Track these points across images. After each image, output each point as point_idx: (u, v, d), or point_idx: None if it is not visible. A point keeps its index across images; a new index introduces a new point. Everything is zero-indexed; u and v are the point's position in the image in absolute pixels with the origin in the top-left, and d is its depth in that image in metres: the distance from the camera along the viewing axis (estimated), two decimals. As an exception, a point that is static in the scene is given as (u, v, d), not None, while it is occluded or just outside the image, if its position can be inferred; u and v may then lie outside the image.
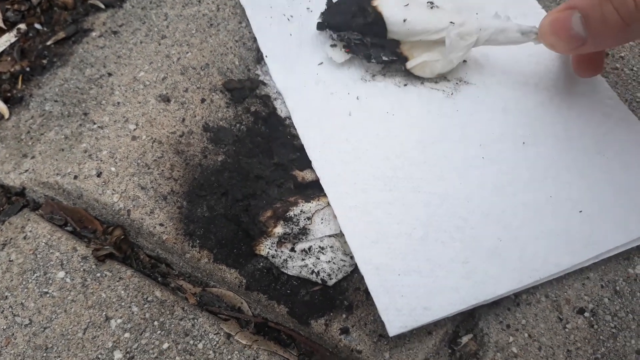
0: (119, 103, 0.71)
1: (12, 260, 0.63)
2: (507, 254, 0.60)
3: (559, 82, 0.72)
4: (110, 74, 0.75)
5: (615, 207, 0.64)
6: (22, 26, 0.86)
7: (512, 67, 0.73)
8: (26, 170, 0.69)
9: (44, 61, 0.82)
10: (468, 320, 0.61)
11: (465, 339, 0.61)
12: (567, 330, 0.60)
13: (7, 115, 0.77)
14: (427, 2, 0.68)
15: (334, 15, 0.68)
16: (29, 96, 0.77)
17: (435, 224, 0.61)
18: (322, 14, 0.70)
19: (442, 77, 0.71)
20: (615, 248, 0.62)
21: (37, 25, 0.86)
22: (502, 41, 0.66)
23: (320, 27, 0.70)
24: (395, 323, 0.56)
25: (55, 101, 0.75)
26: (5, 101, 0.78)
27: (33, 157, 0.70)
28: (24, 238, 0.64)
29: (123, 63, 0.76)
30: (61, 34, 0.84)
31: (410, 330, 0.57)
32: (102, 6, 0.85)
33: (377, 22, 0.66)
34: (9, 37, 0.85)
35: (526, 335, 0.60)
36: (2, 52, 0.84)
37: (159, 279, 0.63)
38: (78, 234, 0.65)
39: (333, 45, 0.70)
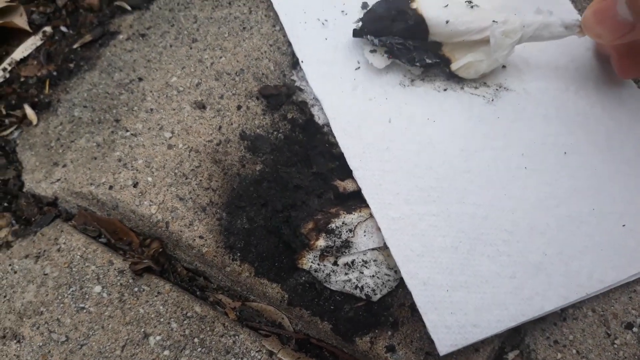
0: (152, 109, 0.69)
1: (46, 274, 0.61)
2: (552, 269, 0.59)
3: (599, 90, 0.70)
4: (140, 79, 0.74)
5: None
6: (48, 29, 0.84)
7: (552, 73, 0.71)
8: (58, 180, 0.67)
9: (71, 65, 0.80)
10: (514, 336, 0.60)
11: (511, 356, 0.59)
12: (615, 346, 0.59)
13: (35, 122, 0.75)
14: (466, 2, 0.66)
15: (373, 21, 0.66)
16: (57, 101, 0.75)
17: (481, 237, 0.60)
18: (360, 20, 0.68)
19: (482, 83, 0.69)
20: (661, 264, 0.60)
21: (63, 28, 0.84)
22: (546, 37, 0.64)
23: (358, 34, 0.68)
24: (445, 341, 0.54)
25: (85, 107, 0.73)
26: (33, 106, 0.77)
27: (64, 166, 0.68)
28: (58, 250, 0.63)
29: (153, 67, 0.74)
30: (88, 37, 0.82)
31: (458, 350, 0.55)
32: (129, 8, 0.83)
33: (419, 25, 0.64)
34: (35, 41, 0.83)
35: (574, 351, 0.58)
36: (28, 55, 0.82)
37: (198, 292, 0.62)
38: (113, 246, 0.64)
39: (373, 51, 0.68)
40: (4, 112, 0.77)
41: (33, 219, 0.67)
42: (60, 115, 0.74)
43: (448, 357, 0.57)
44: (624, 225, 0.61)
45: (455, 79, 0.69)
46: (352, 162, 0.64)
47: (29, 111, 0.76)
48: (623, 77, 0.69)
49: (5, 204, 0.69)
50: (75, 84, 0.76)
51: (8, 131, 0.76)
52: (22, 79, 0.81)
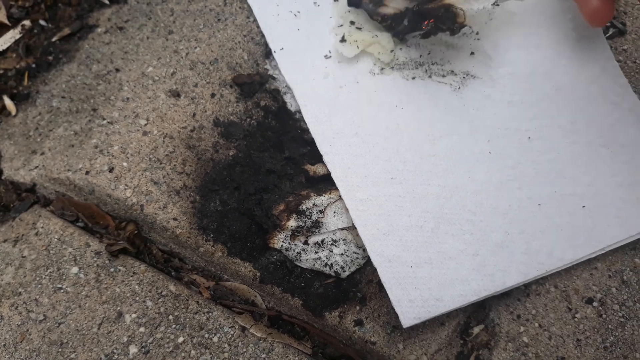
0: (128, 99, 0.71)
1: (24, 257, 0.63)
2: (514, 247, 0.61)
3: (566, 73, 0.71)
4: (117, 70, 0.75)
5: (618, 202, 0.64)
6: (27, 22, 0.86)
7: (520, 57, 0.72)
8: (36, 167, 0.69)
9: (50, 57, 0.82)
10: (479, 311, 0.62)
11: (476, 330, 0.61)
12: (576, 319, 0.61)
13: (14, 112, 0.77)
14: None
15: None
16: (36, 93, 0.77)
17: (445, 216, 0.62)
18: None
19: (449, 71, 0.72)
20: (616, 243, 0.63)
21: (42, 22, 0.86)
22: None
23: (354, 3, 0.69)
24: (408, 315, 0.56)
25: (63, 97, 0.75)
26: (12, 98, 0.78)
27: (42, 154, 0.70)
28: (36, 234, 0.64)
29: (130, 59, 0.76)
30: (66, 30, 0.84)
31: (423, 321, 0.57)
32: (107, 2, 0.85)
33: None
34: (14, 34, 0.85)
35: (536, 325, 0.61)
36: (7, 48, 0.84)
37: (173, 273, 0.64)
38: (90, 229, 0.66)
39: (343, 40, 0.70)
40: (-17, 103, 0.79)
41: (12, 205, 0.69)
42: (38, 106, 0.75)
43: (415, 331, 0.59)
44: (583, 207, 0.64)
45: (423, 67, 0.72)
46: (322, 147, 0.66)
47: (8, 102, 0.77)
48: (593, 24, 0.64)
49: (-16, 192, 0.70)
50: (54, 75, 0.78)
51: (-13, 122, 0.77)
52: (1, 72, 0.82)
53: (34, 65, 0.81)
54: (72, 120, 0.72)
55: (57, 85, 0.76)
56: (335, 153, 0.65)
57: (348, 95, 0.69)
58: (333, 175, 0.64)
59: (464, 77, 0.72)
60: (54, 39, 0.83)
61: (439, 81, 0.71)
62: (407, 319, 0.56)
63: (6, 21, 0.84)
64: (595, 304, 0.62)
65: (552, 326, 0.61)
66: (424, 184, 0.64)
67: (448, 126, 0.68)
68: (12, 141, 0.73)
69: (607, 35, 0.81)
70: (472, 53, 0.72)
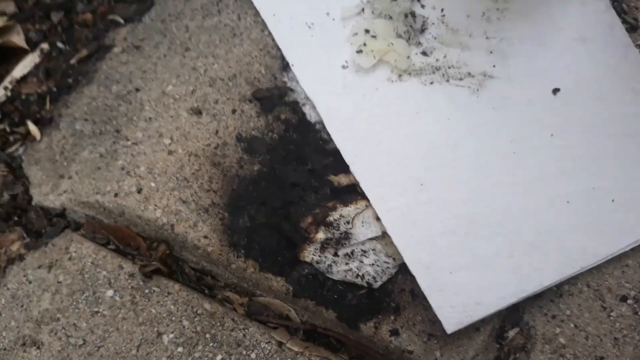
0: (150, 118, 0.72)
1: (60, 282, 0.64)
2: (547, 246, 0.61)
3: (584, 68, 0.70)
4: (137, 90, 0.76)
5: None
6: (45, 46, 0.87)
7: (537, 54, 0.72)
8: (65, 191, 0.70)
9: (70, 80, 0.83)
10: (513, 314, 0.62)
11: (512, 333, 0.61)
12: (612, 318, 0.61)
13: (38, 137, 0.78)
14: None
15: None
16: (58, 116, 0.78)
17: (476, 220, 0.62)
18: None
19: (466, 74, 0.71)
20: (649, 234, 0.62)
21: (60, 44, 0.86)
22: None
23: None
24: (451, 320, 0.57)
25: (85, 120, 0.76)
26: (35, 123, 0.79)
27: (70, 178, 0.71)
28: (69, 259, 0.65)
29: (149, 78, 0.77)
30: (84, 52, 0.84)
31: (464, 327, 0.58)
32: (122, 21, 0.85)
33: None
34: (33, 58, 0.86)
35: (572, 325, 0.61)
36: (28, 73, 0.85)
37: (206, 291, 0.64)
38: (122, 251, 0.66)
39: (359, 52, 0.70)
40: (8, 129, 0.80)
41: (43, 231, 0.70)
42: (62, 130, 0.76)
43: (451, 338, 0.60)
44: (613, 200, 0.63)
45: (440, 72, 0.72)
46: (347, 157, 0.66)
47: (32, 127, 0.79)
48: None
49: (16, 219, 0.72)
50: (74, 98, 0.79)
51: (13, 148, 0.78)
52: (23, 97, 0.83)
53: (54, 89, 0.82)
54: (97, 142, 0.72)
55: (79, 108, 0.77)
56: (362, 163, 0.65)
57: (369, 104, 0.69)
58: (362, 186, 0.64)
59: (481, 79, 0.71)
60: (72, 61, 0.84)
61: (457, 84, 0.71)
62: (451, 325, 0.57)
63: (25, 45, 0.86)
64: (629, 301, 0.62)
65: (588, 326, 0.60)
66: (451, 190, 0.64)
67: (469, 129, 0.68)
68: (39, 166, 0.74)
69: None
70: (491, 52, 0.72)
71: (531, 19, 0.72)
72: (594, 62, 0.69)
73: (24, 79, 0.85)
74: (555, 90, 0.69)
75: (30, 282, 0.64)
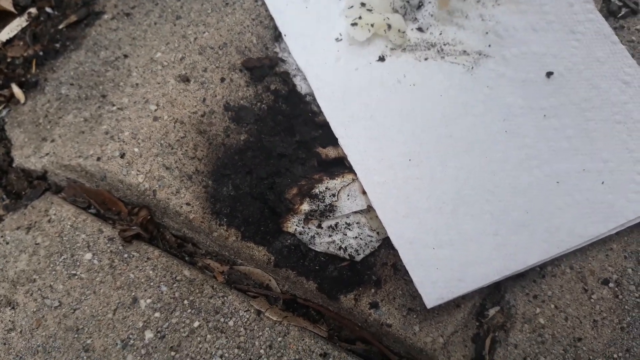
0: (137, 84, 0.71)
1: (38, 244, 0.63)
2: (534, 226, 0.61)
3: (578, 52, 0.71)
4: (126, 56, 0.75)
5: (637, 177, 0.64)
6: (33, 10, 0.85)
7: (531, 37, 0.72)
8: (47, 154, 0.68)
9: (57, 45, 0.81)
10: (494, 293, 0.62)
11: (492, 312, 0.61)
12: (592, 300, 0.61)
13: (23, 100, 0.76)
14: None
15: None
16: (44, 80, 0.76)
17: (464, 197, 0.62)
18: None
19: (461, 52, 0.71)
20: (637, 218, 0.62)
21: (48, 9, 0.85)
22: None
23: None
24: (432, 295, 0.56)
25: (71, 84, 0.74)
26: (20, 86, 0.78)
27: (53, 141, 0.69)
28: (49, 221, 0.64)
29: (138, 45, 0.75)
30: (73, 17, 0.83)
31: (446, 302, 0.57)
32: (113, -12, 0.84)
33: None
34: (20, 22, 0.84)
35: (552, 306, 0.60)
36: (14, 36, 0.83)
37: (186, 258, 0.63)
38: (102, 216, 0.65)
39: (354, 24, 0.69)
40: (-9, 91, 0.78)
41: (23, 193, 0.68)
42: (47, 94, 0.75)
43: (431, 314, 0.59)
44: (602, 183, 0.63)
45: (435, 48, 0.71)
46: (337, 130, 0.66)
47: (17, 90, 0.77)
48: None
49: (-4, 180, 0.70)
50: (61, 63, 0.77)
51: (-4, 110, 0.77)
52: (8, 60, 0.81)
53: (41, 53, 0.81)
54: (82, 107, 0.71)
55: (65, 72, 0.76)
56: (351, 136, 0.65)
57: (361, 78, 0.69)
58: (350, 159, 0.63)
59: (476, 57, 0.71)
60: (60, 27, 0.83)
61: (452, 61, 0.70)
62: (431, 300, 0.56)
63: (12, 9, 0.84)
64: (611, 284, 0.61)
65: (568, 307, 0.60)
66: (441, 166, 0.63)
67: (463, 106, 0.67)
68: (21, 129, 0.72)
69: (620, 15, 0.80)
70: (487, 32, 0.71)
71: (522, 9, 0.73)
72: (585, 53, 0.70)
73: (9, 42, 0.83)
74: (549, 74, 0.69)
75: (7, 243, 0.63)
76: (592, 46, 0.71)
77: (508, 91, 0.69)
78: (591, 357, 0.58)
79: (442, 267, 0.58)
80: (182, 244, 0.65)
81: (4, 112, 0.76)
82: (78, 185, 0.66)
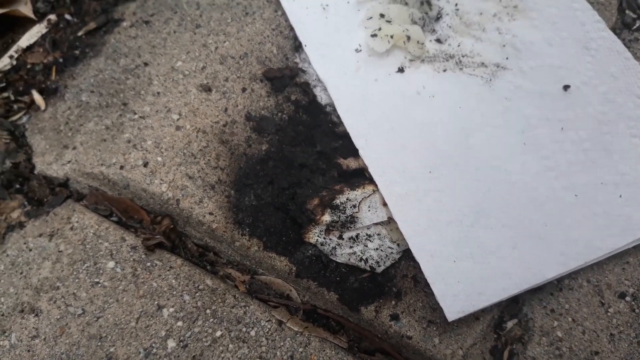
0: (159, 93, 0.71)
1: (61, 251, 0.63)
2: (552, 239, 0.61)
3: (593, 66, 0.72)
4: (146, 64, 0.75)
5: None
6: (53, 17, 0.86)
7: (547, 50, 0.73)
8: (69, 161, 0.69)
9: (77, 52, 0.82)
10: (512, 306, 0.62)
11: (510, 324, 0.62)
12: (609, 314, 0.61)
13: (43, 107, 0.77)
14: None
15: None
16: (64, 87, 0.77)
17: (483, 210, 0.62)
18: None
19: (479, 64, 0.72)
20: (655, 230, 0.63)
21: (67, 16, 0.86)
22: None
23: None
24: (453, 308, 0.57)
25: (92, 92, 0.75)
26: (40, 92, 0.78)
27: (74, 148, 0.70)
28: (71, 229, 0.65)
29: (158, 53, 0.76)
30: (92, 25, 0.84)
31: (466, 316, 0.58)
32: (132, -5, 0.84)
33: None
34: (40, 29, 0.85)
35: (570, 319, 0.61)
36: (34, 43, 0.84)
37: (208, 267, 0.64)
38: (124, 224, 0.66)
39: (374, 35, 0.70)
40: (12, 98, 0.79)
41: (45, 200, 0.69)
42: (67, 101, 0.75)
43: (450, 326, 0.60)
44: (620, 196, 0.64)
45: (453, 60, 0.72)
46: (357, 141, 0.66)
47: (37, 97, 0.78)
48: None
49: (17, 186, 0.71)
50: (81, 70, 0.78)
51: (17, 116, 0.77)
52: (28, 66, 0.82)
53: (61, 60, 0.82)
54: (103, 114, 0.72)
55: (85, 79, 0.76)
56: (371, 147, 0.65)
57: (381, 89, 0.69)
58: (370, 170, 0.64)
59: (494, 70, 0.72)
60: (79, 34, 0.83)
61: (470, 73, 0.71)
62: (452, 313, 0.57)
63: (32, 15, 0.85)
64: (628, 298, 0.62)
65: (585, 321, 0.61)
66: (461, 178, 0.64)
67: (481, 118, 0.68)
68: (42, 136, 0.73)
69: (635, 27, 0.81)
70: (504, 45, 0.72)
71: (535, 24, 0.74)
72: (599, 68, 0.72)
73: (29, 48, 0.84)
74: (566, 87, 0.70)
75: (30, 250, 0.64)
76: (606, 62, 0.72)
77: (526, 103, 0.69)
78: (608, 371, 0.58)
79: (463, 280, 0.58)
80: (204, 253, 0.65)
81: (25, 119, 0.77)
82: (100, 193, 0.67)
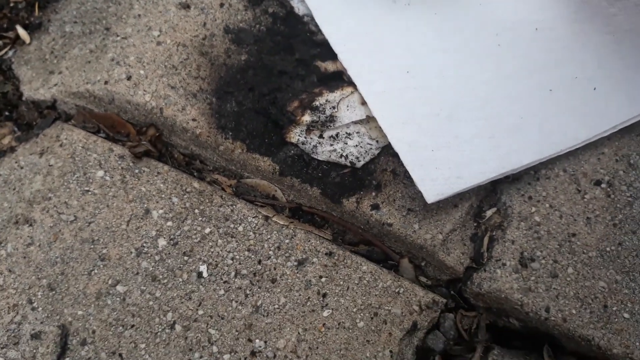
0: (139, 15, 0.73)
1: (51, 165, 0.65)
2: (528, 129, 0.63)
3: None
4: (126, -8, 0.76)
5: (626, 83, 0.66)
6: (33, -45, 0.86)
7: None
8: (55, 84, 0.71)
9: (58, -12, 0.83)
10: (491, 195, 0.64)
11: (489, 213, 0.64)
12: (585, 200, 0.63)
13: (28, 40, 0.78)
14: None
15: None
16: (47, 21, 0.78)
17: (460, 104, 0.64)
18: None
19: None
20: (628, 120, 0.65)
21: (48, -46, 0.86)
22: None
23: None
24: (431, 191, 0.59)
25: (75, 22, 0.76)
26: (25, 28, 0.80)
27: (60, 73, 0.71)
28: (60, 145, 0.67)
29: (138, -20, 0.77)
30: (72, -39, 0.84)
31: (445, 199, 0.60)
32: None
33: None
34: (21, -33, 0.85)
35: (547, 205, 0.63)
36: (16, -19, 0.85)
37: (195, 174, 0.66)
38: (112, 138, 0.68)
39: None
40: (-4, 34, 0.80)
41: (34, 123, 0.71)
42: (52, 33, 0.77)
43: (429, 213, 0.62)
44: (594, 89, 0.65)
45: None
46: (336, 46, 0.68)
47: (22, 32, 0.79)
48: None
49: (7, 114, 0.73)
50: (63, 4, 0.79)
51: (2, 52, 0.79)
52: (11, 4, 0.83)
53: (43, -4, 0.83)
54: (87, 40, 0.73)
55: (68, 12, 0.78)
56: (350, 51, 0.67)
57: (357, -2, 0.71)
58: (349, 72, 0.66)
59: (468, -23, 0.73)
60: (60, -30, 0.84)
61: (445, -19, 0.72)
62: (431, 196, 0.59)
63: (12, -45, 0.85)
64: (603, 185, 0.64)
65: (562, 206, 0.63)
66: (437, 77, 0.66)
67: (457, 23, 0.69)
68: (29, 66, 0.74)
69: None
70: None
71: None
72: None
73: (11, -13, 0.85)
74: None
75: (21, 168, 0.66)
76: None
77: (500, 6, 0.71)
78: (585, 251, 0.60)
79: (441, 167, 0.60)
80: (190, 161, 0.67)
81: (11, 53, 0.78)
82: (87, 111, 0.69)
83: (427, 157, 0.61)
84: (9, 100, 0.74)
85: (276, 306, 0.58)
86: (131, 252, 0.60)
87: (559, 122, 0.64)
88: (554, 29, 0.69)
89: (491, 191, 0.64)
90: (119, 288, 0.59)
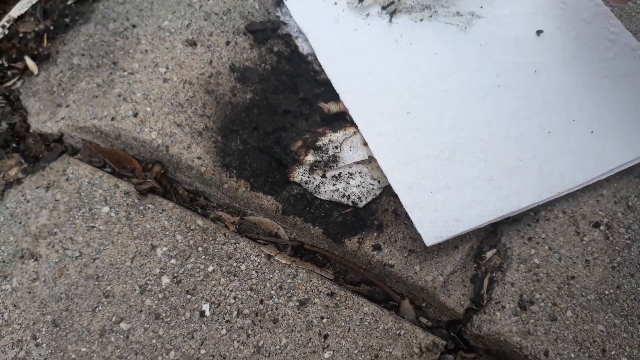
0: (146, 50, 0.74)
1: (57, 200, 0.66)
2: (527, 171, 0.64)
3: (565, 12, 0.75)
4: (134, 26, 0.78)
5: (623, 126, 0.67)
6: (42, -13, 0.88)
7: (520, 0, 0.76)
8: (62, 118, 0.72)
9: (67, 20, 0.84)
10: (491, 237, 0.65)
11: (489, 254, 0.64)
12: (584, 242, 0.64)
13: (36, 72, 0.79)
14: None
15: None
16: (56, 53, 0.80)
17: (459, 146, 0.65)
18: None
19: (455, 13, 0.74)
20: (625, 163, 0.66)
21: (57, -15, 0.88)
22: None
23: None
24: (430, 234, 0.60)
25: (83, 55, 0.78)
26: (33, 58, 0.81)
27: (68, 106, 0.73)
28: (67, 180, 0.68)
29: (145, 15, 0.79)
30: (81, -7, 0.86)
31: (445, 241, 0.60)
32: (118, -36, 0.87)
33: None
34: (31, -2, 0.87)
35: (547, 247, 0.64)
36: (25, 12, 0.86)
37: (199, 211, 0.67)
38: (117, 174, 0.69)
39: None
40: (5, 65, 0.81)
41: (41, 156, 0.72)
42: (60, 65, 0.78)
43: (430, 254, 0.63)
44: (592, 132, 0.67)
45: (430, 10, 0.74)
46: (338, 87, 0.69)
47: (30, 62, 0.80)
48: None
49: (14, 145, 0.74)
50: (72, 36, 0.81)
51: (11, 82, 0.80)
52: (20, 35, 0.85)
53: (52, 28, 0.84)
54: (94, 74, 0.74)
55: (76, 44, 0.79)
56: (352, 91, 0.68)
57: (360, 38, 0.72)
58: (351, 113, 0.67)
59: (469, 18, 0.74)
60: (69, 2, 0.86)
61: (446, 22, 0.74)
62: (430, 238, 0.59)
63: (22, -14, 0.87)
64: (602, 227, 0.65)
65: (561, 248, 0.64)
66: (437, 118, 0.67)
67: (457, 63, 0.70)
68: (36, 98, 0.76)
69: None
70: (477, -6, 0.75)
71: None
72: (571, 14, 0.75)
73: (21, 18, 0.87)
74: (539, 32, 0.73)
75: (28, 201, 0.67)
76: (578, 8, 0.75)
77: (500, 48, 0.72)
78: (584, 294, 0.61)
79: (440, 209, 0.61)
80: (195, 198, 0.68)
81: (19, 84, 0.79)
82: (93, 146, 0.70)
83: (427, 199, 0.61)
84: (17, 132, 0.75)
85: (278, 347, 0.58)
86: (135, 290, 0.61)
87: (557, 164, 0.65)
88: (553, 71, 0.70)
89: (491, 232, 0.65)
90: (123, 325, 0.59)
